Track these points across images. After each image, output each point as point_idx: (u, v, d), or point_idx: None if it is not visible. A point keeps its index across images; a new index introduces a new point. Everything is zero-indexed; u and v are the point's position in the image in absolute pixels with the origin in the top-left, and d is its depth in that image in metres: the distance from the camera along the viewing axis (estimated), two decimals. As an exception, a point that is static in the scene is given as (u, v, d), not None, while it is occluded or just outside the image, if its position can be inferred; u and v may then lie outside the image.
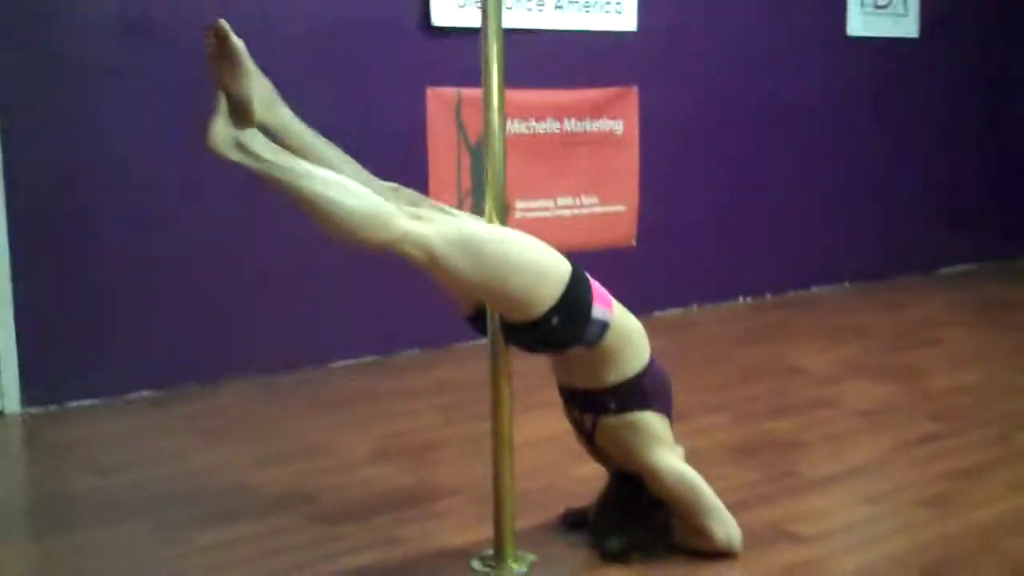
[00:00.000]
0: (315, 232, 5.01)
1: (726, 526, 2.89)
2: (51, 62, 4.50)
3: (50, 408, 4.60)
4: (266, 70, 4.95)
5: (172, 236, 4.80)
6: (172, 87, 4.73)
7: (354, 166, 2.85)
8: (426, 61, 5.33)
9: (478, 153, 5.45)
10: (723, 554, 2.90)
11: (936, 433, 4.05)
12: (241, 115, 2.60)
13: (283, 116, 2.77)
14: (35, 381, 4.57)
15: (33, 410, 4.58)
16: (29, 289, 4.53)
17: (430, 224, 2.63)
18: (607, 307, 2.85)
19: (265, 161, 2.57)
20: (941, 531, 3.12)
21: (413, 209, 2.68)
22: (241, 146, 2.57)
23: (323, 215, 2.58)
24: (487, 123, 2.83)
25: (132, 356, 4.77)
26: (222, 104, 2.62)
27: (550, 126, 5.78)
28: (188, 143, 4.77)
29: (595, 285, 2.87)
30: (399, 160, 5.31)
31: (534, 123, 5.72)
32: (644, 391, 2.95)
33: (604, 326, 2.83)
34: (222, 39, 2.58)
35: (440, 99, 5.38)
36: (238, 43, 2.61)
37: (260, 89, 2.66)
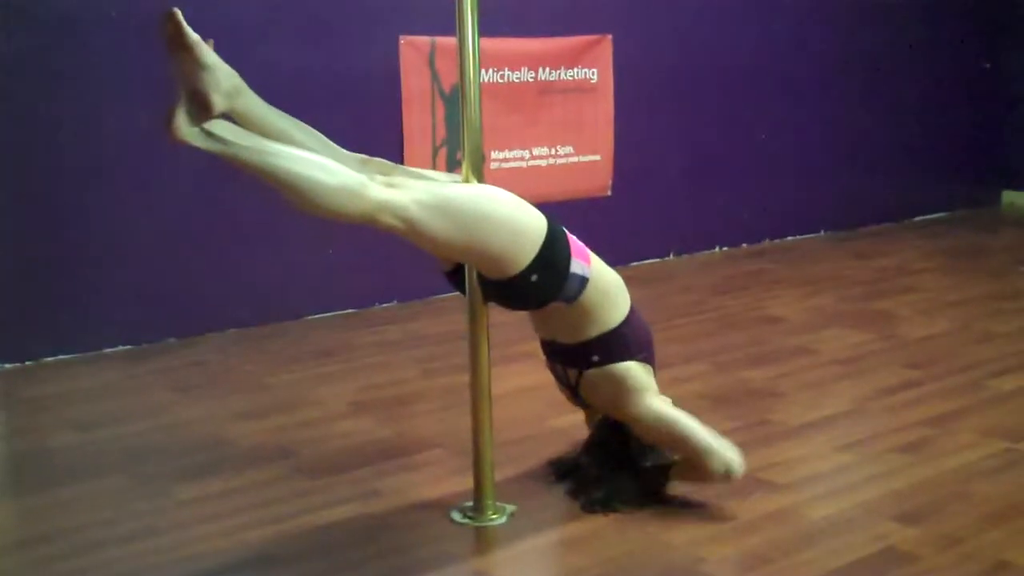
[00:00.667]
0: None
1: (722, 457, 2.89)
2: (17, 13, 4.41)
3: (25, 364, 4.58)
4: (241, 20, 4.92)
5: (146, 190, 4.76)
6: (138, 40, 4.65)
7: (323, 141, 2.81)
8: (399, 8, 5.27)
9: (453, 102, 5.41)
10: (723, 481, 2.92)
11: (911, 380, 4.08)
12: (200, 108, 2.53)
13: (249, 104, 2.72)
14: (9, 337, 4.54)
15: (8, 366, 4.55)
16: (2, 246, 4.48)
17: (404, 191, 2.60)
18: (585, 262, 2.85)
19: (232, 144, 2.53)
20: (916, 478, 3.15)
21: (385, 178, 2.65)
22: (205, 133, 2.51)
23: (296, 192, 2.56)
24: (462, 72, 2.80)
25: (107, 311, 4.74)
26: (183, 95, 2.54)
27: (524, 75, 5.74)
28: (155, 95, 4.75)
29: (572, 240, 2.86)
30: (373, 110, 5.30)
31: (508, 72, 5.68)
32: (626, 342, 2.96)
33: (583, 281, 2.83)
34: (176, 29, 2.50)
35: (413, 47, 5.33)
36: (193, 36, 2.52)
37: (223, 80, 2.59)
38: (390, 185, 2.61)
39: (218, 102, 2.57)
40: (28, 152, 4.50)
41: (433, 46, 5.36)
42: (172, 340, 4.89)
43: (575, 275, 2.81)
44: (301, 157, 2.56)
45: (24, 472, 3.50)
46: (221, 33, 4.89)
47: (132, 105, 4.67)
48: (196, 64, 2.52)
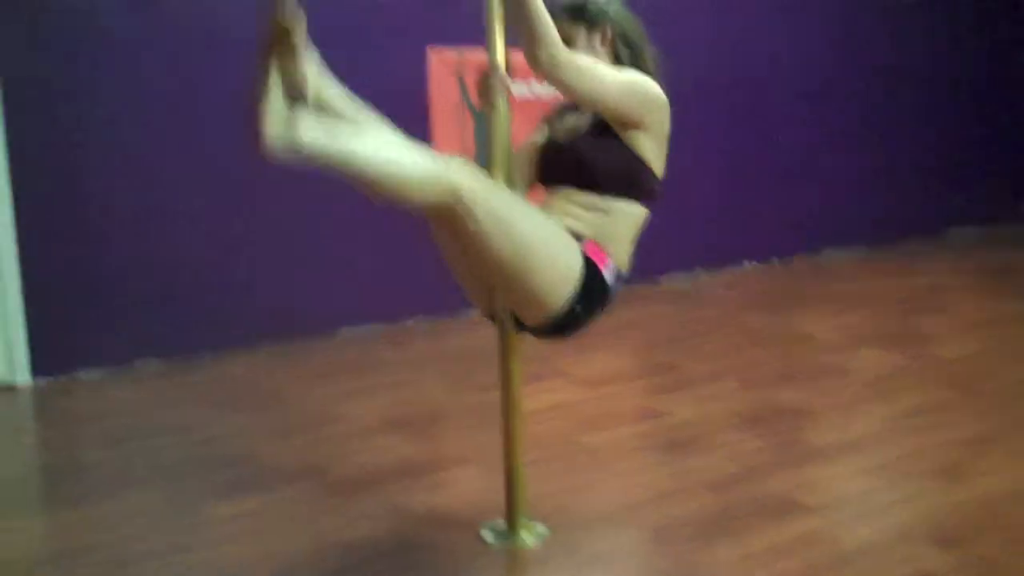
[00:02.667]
0: (321, 202, 5.03)
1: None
2: (55, 34, 4.47)
3: (60, 379, 4.62)
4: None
5: (178, 207, 4.80)
6: (172, 53, 4.71)
7: (389, 126, 2.77)
8: (427, 20, 5.29)
9: (481, 115, 5.42)
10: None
11: (944, 401, 4.05)
12: (295, 95, 2.53)
13: (329, 88, 2.74)
14: (44, 352, 4.59)
15: (41, 380, 4.59)
16: (37, 261, 4.53)
17: (479, 181, 2.55)
18: (604, 261, 2.77)
19: (323, 149, 2.47)
20: (949, 501, 3.12)
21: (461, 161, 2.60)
22: (296, 143, 2.46)
23: (380, 184, 2.52)
24: (485, 93, 2.81)
25: (141, 327, 4.78)
26: (271, 94, 2.51)
27: (552, 88, 5.72)
28: (191, 111, 4.81)
29: (590, 248, 2.76)
30: (402, 121, 5.28)
31: (536, 85, 5.69)
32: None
33: (619, 278, 2.82)
34: (288, 34, 2.52)
35: (442, 60, 5.35)
36: (302, 32, 2.55)
37: (312, 66, 2.60)
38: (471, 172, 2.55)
39: (310, 90, 2.57)
40: (62, 169, 4.55)
41: (461, 59, 5.38)
42: (204, 355, 4.92)
43: (611, 285, 2.78)
44: (386, 147, 2.54)
45: (56, 487, 3.53)
46: (246, 46, 4.95)
47: (164, 122, 4.72)
48: (299, 54, 2.54)
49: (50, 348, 4.60)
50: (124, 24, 4.59)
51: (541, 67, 2.57)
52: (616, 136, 2.76)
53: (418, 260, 5.40)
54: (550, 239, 2.63)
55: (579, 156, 2.76)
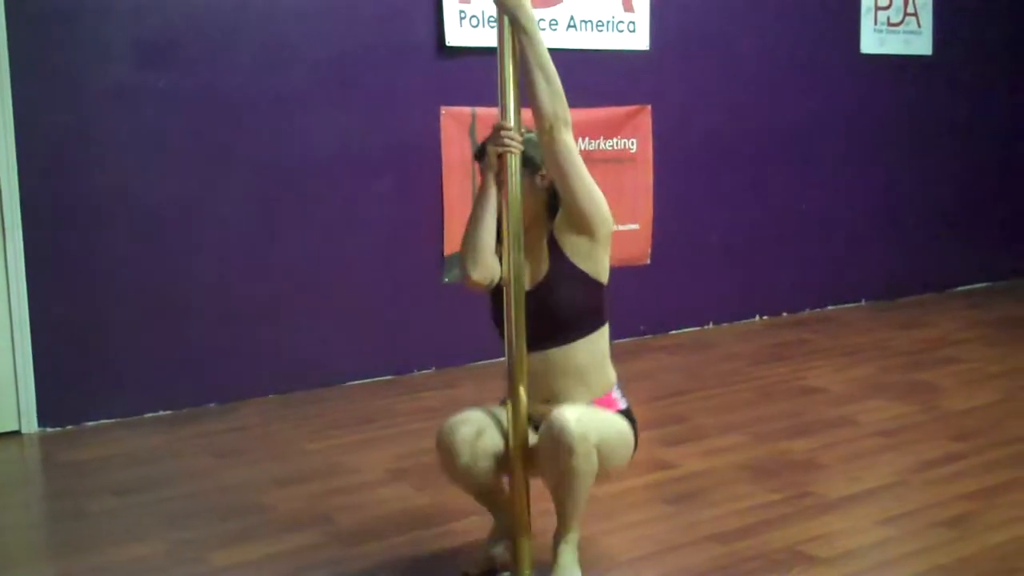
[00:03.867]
0: (330, 255, 5.07)
1: None
2: (68, 86, 4.52)
3: (67, 428, 4.62)
4: (288, 92, 5.03)
5: (188, 258, 4.83)
6: (186, 110, 4.76)
7: None
8: (440, 80, 5.35)
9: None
10: None
11: (954, 453, 4.02)
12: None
13: None
14: (52, 401, 4.59)
15: (49, 430, 4.60)
16: (46, 310, 4.55)
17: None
18: (614, 400, 2.97)
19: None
20: (959, 553, 3.09)
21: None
22: None
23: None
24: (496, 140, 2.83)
25: (149, 376, 4.78)
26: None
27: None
28: (203, 166, 4.85)
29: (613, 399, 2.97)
30: (415, 177, 5.36)
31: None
32: None
33: (620, 387, 3.01)
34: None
35: (454, 118, 5.39)
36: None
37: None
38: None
39: None
40: (72, 220, 4.58)
41: (474, 117, 5.43)
42: (212, 405, 4.92)
43: (629, 408, 3.01)
44: None
45: (63, 536, 3.51)
46: (268, 104, 5.02)
47: (175, 175, 4.77)
48: None
49: (58, 397, 4.60)
50: (140, 82, 4.65)
51: (554, 123, 2.75)
52: (571, 268, 2.86)
53: (427, 311, 5.43)
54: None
55: (550, 304, 2.84)
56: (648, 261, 6.14)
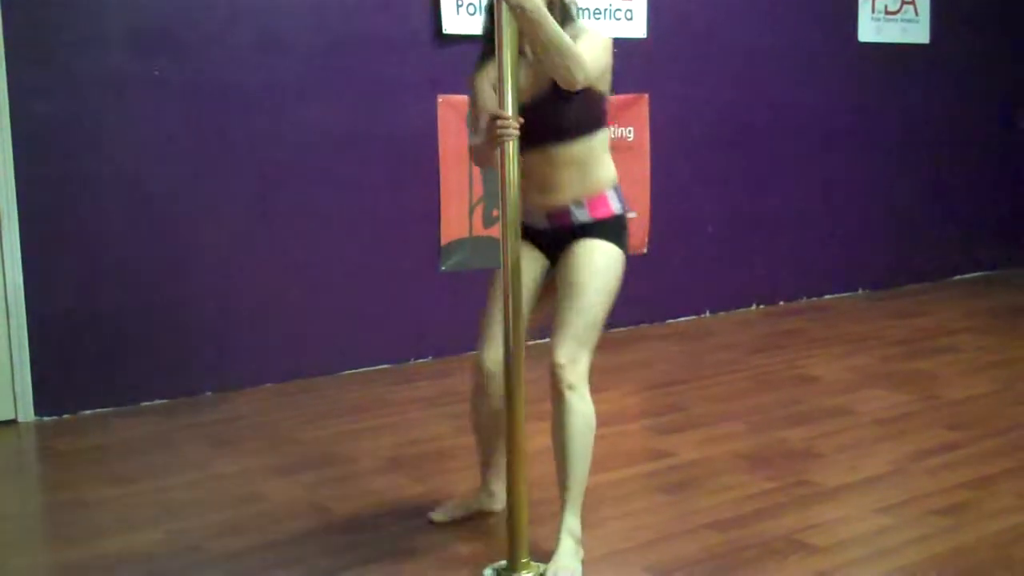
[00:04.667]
0: (328, 243, 5.06)
1: None
2: (63, 73, 4.51)
3: (63, 417, 4.61)
4: (284, 80, 5.02)
5: (183, 246, 4.81)
6: (182, 98, 4.74)
7: None
8: (437, 68, 5.33)
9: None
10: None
11: (951, 442, 4.03)
12: None
13: None
14: (48, 390, 4.58)
15: (46, 419, 4.59)
16: (42, 298, 4.54)
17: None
18: (608, 203, 3.07)
19: None
20: (956, 542, 3.10)
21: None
22: None
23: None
24: (489, 133, 2.82)
25: (145, 365, 4.77)
26: None
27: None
28: (198, 154, 4.84)
29: (593, 206, 3.06)
30: (412, 166, 5.34)
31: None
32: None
33: (616, 189, 3.11)
34: None
35: (451, 106, 5.38)
36: None
37: None
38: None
39: None
40: (68, 208, 4.57)
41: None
42: (208, 394, 4.91)
43: (623, 212, 3.11)
44: None
45: (60, 525, 3.51)
46: (264, 92, 5.01)
47: (171, 163, 4.75)
48: None
49: (55, 386, 4.59)
50: (136, 68, 4.63)
51: (579, 85, 2.81)
52: None
53: (424, 300, 5.42)
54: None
55: (550, 116, 2.94)
56: (646, 250, 6.13)
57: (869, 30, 7.00)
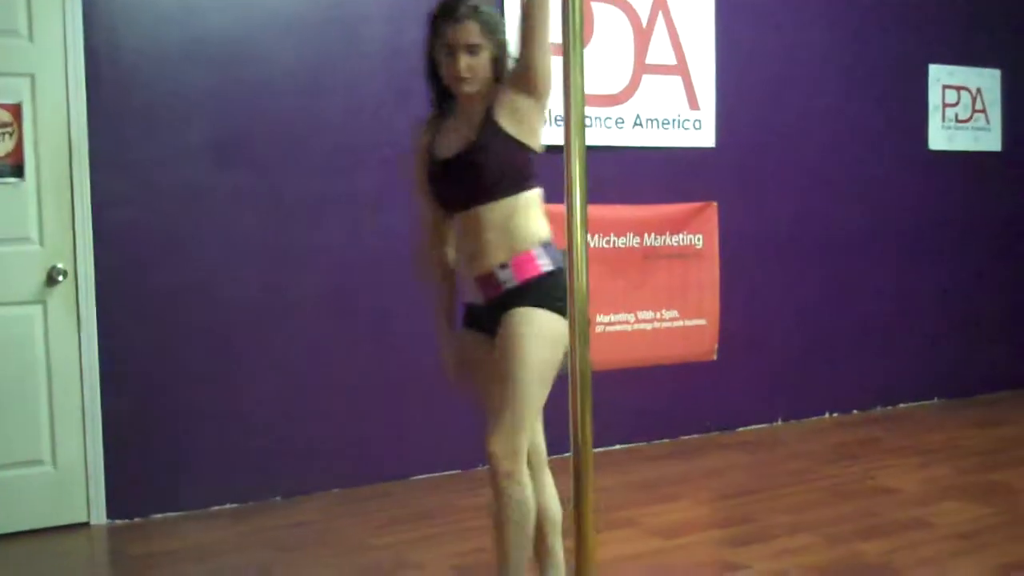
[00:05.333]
0: (396, 350, 5.10)
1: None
2: (144, 183, 4.65)
3: (134, 520, 4.65)
4: (359, 190, 5.11)
5: (254, 353, 4.88)
6: (255, 207, 4.86)
7: None
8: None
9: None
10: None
11: (1035, 557, 3.90)
12: None
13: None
14: (121, 493, 4.64)
15: (118, 522, 4.63)
16: (116, 403, 4.62)
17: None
18: (536, 262, 2.97)
19: None
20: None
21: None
22: None
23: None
24: (569, 239, 2.83)
25: (215, 470, 4.81)
26: None
27: (630, 240, 5.81)
28: (270, 261, 4.93)
29: (520, 266, 2.96)
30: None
31: (614, 237, 5.76)
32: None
33: (548, 246, 3.01)
34: None
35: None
36: None
37: None
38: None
39: None
40: (144, 314, 4.67)
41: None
42: (277, 499, 4.93)
43: (555, 269, 2.98)
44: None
45: (128, 629, 3.52)
46: (340, 201, 5.10)
47: (247, 272, 4.85)
48: None
49: (127, 489, 4.65)
50: (214, 180, 4.76)
51: (542, 93, 2.92)
52: (503, 134, 2.94)
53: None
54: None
55: (475, 174, 2.93)
56: (715, 357, 6.09)
57: (940, 138, 6.99)
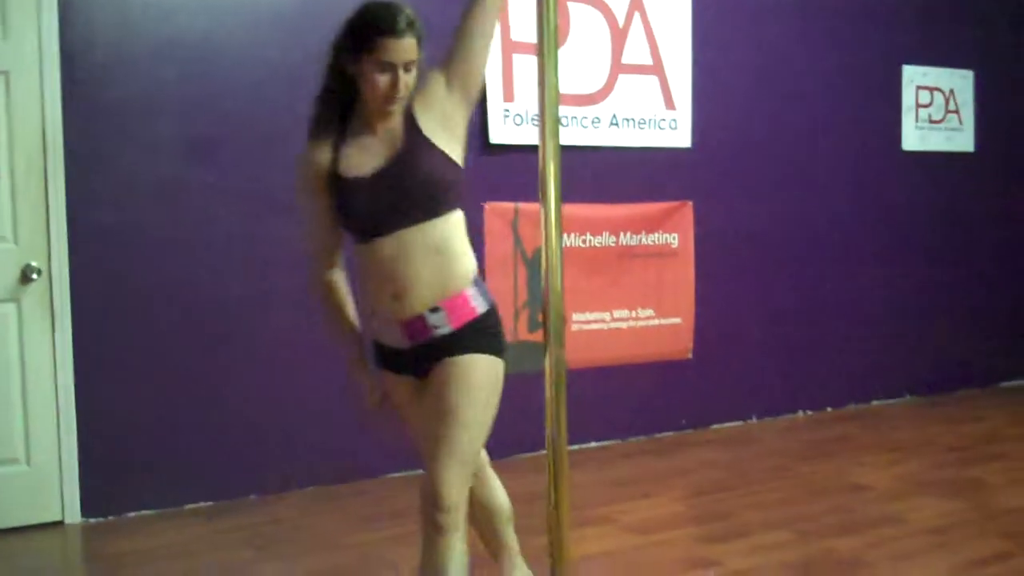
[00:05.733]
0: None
1: None
2: (119, 180, 4.64)
3: (108, 518, 4.64)
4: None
5: (229, 351, 4.87)
6: (230, 204, 4.85)
7: None
8: (484, 176, 5.42)
9: (534, 266, 5.50)
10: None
11: (1004, 551, 3.94)
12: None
13: None
14: (95, 492, 4.62)
15: (92, 520, 4.61)
16: (92, 401, 4.60)
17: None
18: (470, 304, 2.79)
19: None
20: (1013, 656, 3.02)
21: None
22: None
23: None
24: (545, 239, 2.84)
25: (190, 467, 4.80)
26: None
27: (606, 239, 5.83)
28: (245, 259, 4.92)
29: (455, 309, 2.76)
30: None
31: (590, 236, 5.78)
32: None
33: (477, 283, 2.84)
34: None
35: (497, 213, 5.45)
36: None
37: None
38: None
39: None
40: (119, 313, 4.66)
41: (516, 212, 5.49)
42: (252, 497, 4.92)
43: (490, 308, 2.84)
44: None
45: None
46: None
47: (221, 270, 4.84)
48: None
49: (102, 488, 4.63)
50: (189, 176, 4.75)
51: (477, 87, 2.74)
52: (428, 143, 2.70)
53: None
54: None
55: (402, 190, 2.65)
56: (690, 355, 6.13)
57: (913, 139, 7.04)
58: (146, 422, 4.71)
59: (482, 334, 2.75)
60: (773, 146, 6.44)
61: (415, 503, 4.80)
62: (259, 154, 4.90)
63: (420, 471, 5.13)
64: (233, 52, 4.86)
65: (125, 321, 4.67)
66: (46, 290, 4.53)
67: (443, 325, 2.71)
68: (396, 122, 2.72)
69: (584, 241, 5.75)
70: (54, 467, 4.57)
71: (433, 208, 2.68)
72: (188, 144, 4.76)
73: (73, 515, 4.59)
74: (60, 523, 4.58)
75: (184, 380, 4.78)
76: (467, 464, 2.72)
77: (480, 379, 2.73)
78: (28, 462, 4.55)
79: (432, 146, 2.70)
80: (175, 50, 4.72)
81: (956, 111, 7.26)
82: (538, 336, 5.43)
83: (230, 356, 4.88)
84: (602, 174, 5.74)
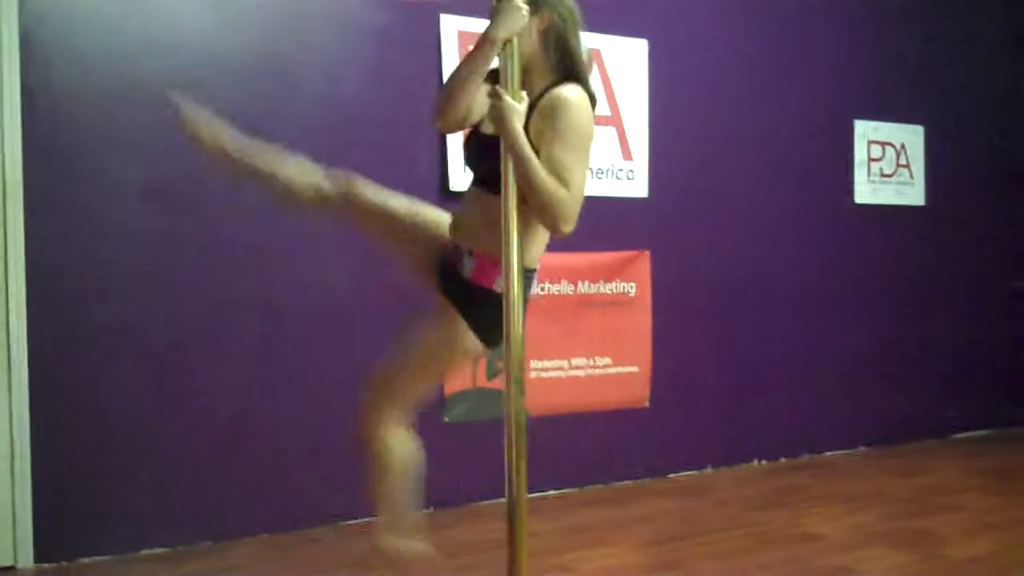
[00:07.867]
0: (328, 393, 5.09)
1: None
2: (79, 223, 4.63)
3: (61, 564, 4.58)
4: (293, 237, 5.11)
5: (185, 396, 4.85)
6: (190, 249, 4.86)
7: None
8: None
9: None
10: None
11: (955, 603, 3.99)
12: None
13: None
14: (49, 537, 4.56)
15: (45, 565, 4.55)
16: (47, 445, 4.56)
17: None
18: (495, 277, 3.07)
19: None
20: None
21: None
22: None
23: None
24: (506, 287, 2.89)
25: (145, 513, 4.76)
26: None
27: (564, 288, 5.88)
28: (203, 305, 4.92)
29: (479, 270, 3.10)
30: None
31: (548, 285, 5.82)
32: None
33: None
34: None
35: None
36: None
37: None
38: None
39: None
40: (76, 356, 4.63)
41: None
42: (207, 544, 4.88)
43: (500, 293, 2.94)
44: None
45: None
46: (273, 248, 5.08)
47: (179, 315, 4.83)
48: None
49: (55, 533, 4.58)
50: (148, 222, 4.75)
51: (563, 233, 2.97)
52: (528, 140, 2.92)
53: (426, 451, 5.41)
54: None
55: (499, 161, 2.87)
56: (647, 404, 6.17)
57: (865, 192, 7.18)
58: (100, 467, 4.67)
59: (476, 305, 3.08)
60: (728, 198, 6.54)
61: (367, 550, 4.79)
62: (220, 201, 4.91)
63: (374, 518, 5.14)
64: (196, 97, 4.87)
65: (81, 365, 4.64)
66: (3, 332, 4.50)
67: (467, 271, 3.08)
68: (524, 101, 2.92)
69: (543, 289, 5.79)
70: (7, 511, 4.51)
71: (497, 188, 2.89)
72: (151, 188, 4.76)
73: (26, 560, 4.52)
74: (12, 568, 4.52)
75: (139, 425, 4.75)
76: (404, 395, 3.35)
77: (447, 336, 3.10)
78: (-20, 506, 4.50)
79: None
80: (138, 93, 4.71)
81: (907, 165, 7.41)
82: (497, 384, 5.45)
83: (185, 401, 4.86)
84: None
